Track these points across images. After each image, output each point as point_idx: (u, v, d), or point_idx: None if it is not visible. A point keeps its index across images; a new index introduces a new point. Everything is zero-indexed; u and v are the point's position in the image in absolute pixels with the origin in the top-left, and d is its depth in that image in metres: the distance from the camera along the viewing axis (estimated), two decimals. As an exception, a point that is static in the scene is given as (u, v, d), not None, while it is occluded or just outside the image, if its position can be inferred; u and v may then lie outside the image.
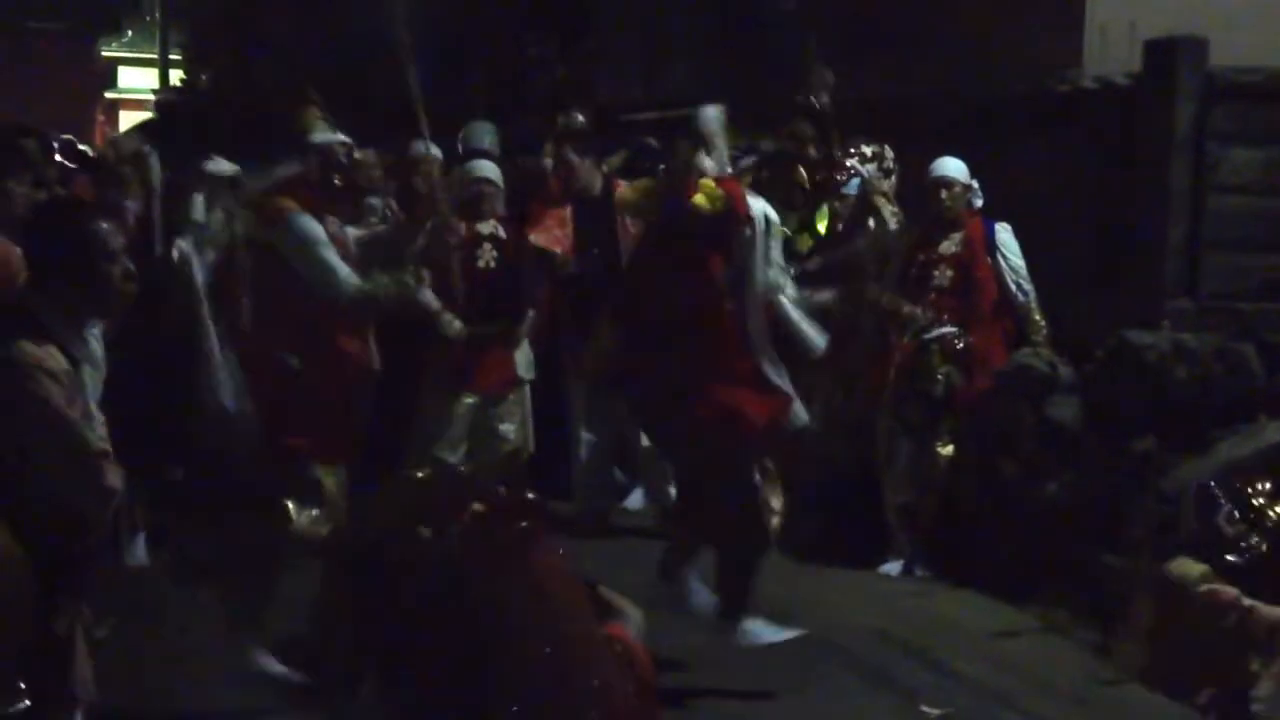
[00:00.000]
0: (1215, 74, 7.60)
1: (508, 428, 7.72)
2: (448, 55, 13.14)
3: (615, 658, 2.62)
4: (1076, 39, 8.65)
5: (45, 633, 3.59)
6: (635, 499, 8.55)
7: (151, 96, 25.31)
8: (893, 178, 8.00)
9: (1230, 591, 5.48)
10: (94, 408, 3.79)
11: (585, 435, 8.29)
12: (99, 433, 3.70)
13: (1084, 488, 6.76)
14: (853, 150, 8.05)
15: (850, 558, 7.45)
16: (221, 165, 6.12)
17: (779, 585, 6.34)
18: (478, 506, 2.59)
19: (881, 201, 7.76)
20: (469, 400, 7.61)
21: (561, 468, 8.28)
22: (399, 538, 2.56)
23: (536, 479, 8.43)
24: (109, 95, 32.56)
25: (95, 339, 3.88)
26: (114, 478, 3.63)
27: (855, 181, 7.98)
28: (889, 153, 8.00)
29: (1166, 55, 7.60)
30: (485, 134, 8.80)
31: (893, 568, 7.42)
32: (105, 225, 3.81)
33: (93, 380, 3.83)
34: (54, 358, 3.58)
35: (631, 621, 2.82)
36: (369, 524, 2.79)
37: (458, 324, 7.51)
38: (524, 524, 2.59)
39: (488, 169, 7.84)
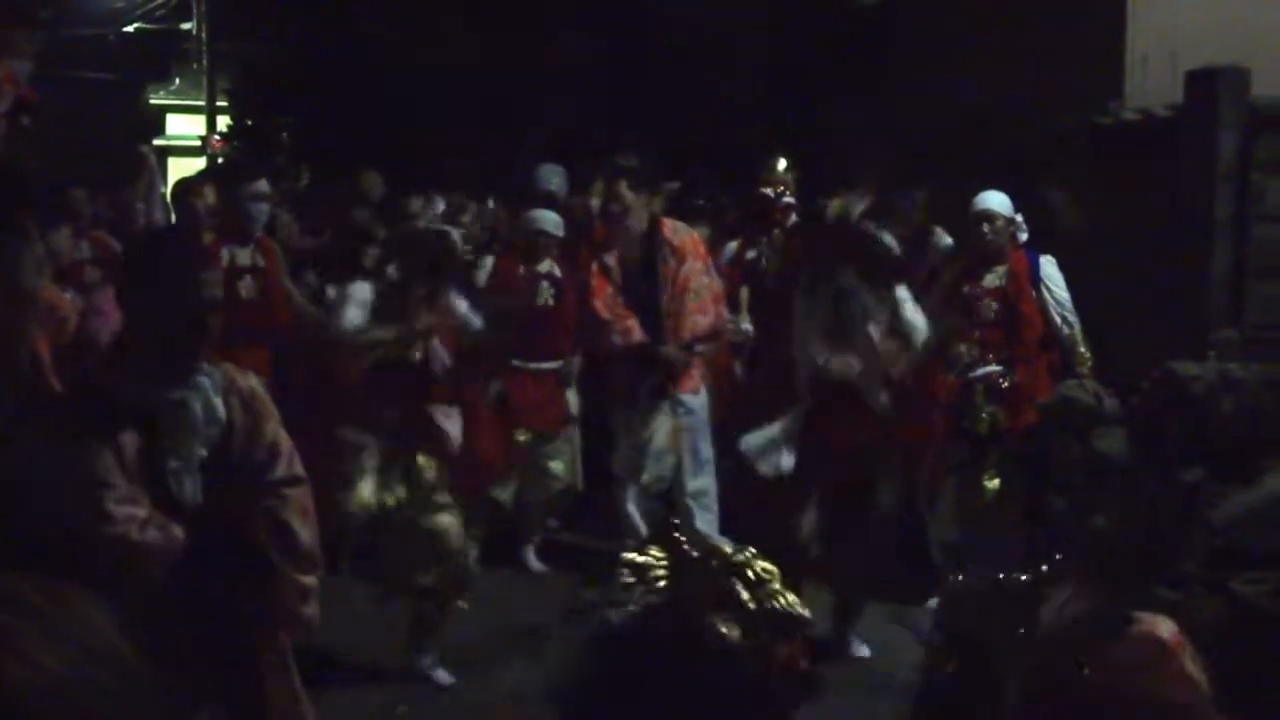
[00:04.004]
0: (1258, 104, 7.58)
1: (557, 465, 7.77)
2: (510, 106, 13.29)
3: None
4: (1118, 71, 8.63)
5: None
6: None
7: (199, 143, 25.61)
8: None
9: None
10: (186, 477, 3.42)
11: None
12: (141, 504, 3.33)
13: (1131, 520, 6.72)
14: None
15: (896, 594, 7.45)
16: None
17: (826, 622, 6.39)
18: None
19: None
20: (521, 437, 7.66)
21: (609, 506, 8.29)
22: None
23: (584, 517, 8.50)
24: (157, 142, 32.91)
25: (210, 389, 3.44)
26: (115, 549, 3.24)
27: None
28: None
29: (1208, 86, 7.59)
30: (554, 176, 8.95)
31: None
32: (210, 273, 3.59)
33: (192, 435, 3.42)
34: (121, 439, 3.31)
35: None
36: None
37: None
38: None
39: (546, 221, 7.87)
